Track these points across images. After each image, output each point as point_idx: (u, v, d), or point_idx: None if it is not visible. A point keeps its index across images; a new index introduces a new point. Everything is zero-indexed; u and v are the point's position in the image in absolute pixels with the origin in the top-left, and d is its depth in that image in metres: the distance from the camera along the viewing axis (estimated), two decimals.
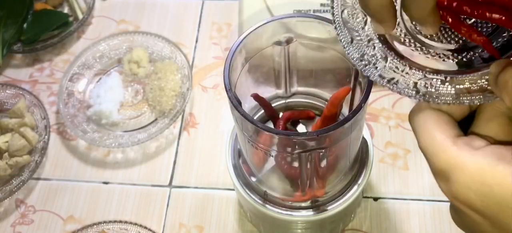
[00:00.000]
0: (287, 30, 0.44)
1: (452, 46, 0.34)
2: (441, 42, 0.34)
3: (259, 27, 0.42)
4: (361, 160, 0.50)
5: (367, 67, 0.34)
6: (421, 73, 0.33)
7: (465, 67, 0.33)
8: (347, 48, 0.34)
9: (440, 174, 0.31)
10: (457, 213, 0.32)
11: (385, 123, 0.64)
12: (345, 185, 0.49)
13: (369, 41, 0.34)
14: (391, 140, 0.63)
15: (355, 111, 0.38)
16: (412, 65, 0.33)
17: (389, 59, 0.34)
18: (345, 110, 0.48)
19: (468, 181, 0.29)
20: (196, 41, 0.74)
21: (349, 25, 0.35)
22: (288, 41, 0.45)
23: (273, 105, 0.52)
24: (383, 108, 0.65)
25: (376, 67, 0.33)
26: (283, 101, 0.52)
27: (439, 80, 0.32)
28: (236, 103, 0.39)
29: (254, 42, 0.43)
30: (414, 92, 0.32)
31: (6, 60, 0.74)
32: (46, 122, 0.65)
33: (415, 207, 0.58)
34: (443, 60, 0.33)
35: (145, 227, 0.58)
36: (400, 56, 0.34)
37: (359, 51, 0.34)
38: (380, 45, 0.34)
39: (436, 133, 0.31)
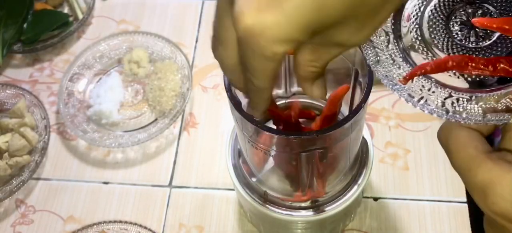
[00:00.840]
0: None
1: None
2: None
3: None
4: (361, 160, 0.50)
5: (395, 87, 0.34)
6: (446, 92, 0.33)
7: (477, 86, 0.33)
8: (374, 67, 0.35)
9: (477, 189, 0.31)
10: (493, 228, 0.33)
11: (385, 123, 0.64)
12: (345, 185, 0.49)
13: (393, 60, 0.35)
14: (391, 140, 0.63)
15: (355, 111, 0.38)
16: (436, 83, 0.34)
17: (414, 78, 0.34)
18: (345, 110, 0.48)
19: (505, 193, 0.30)
20: (196, 41, 0.74)
21: (373, 43, 0.35)
22: None
23: None
24: (383, 108, 0.65)
25: (404, 87, 0.34)
26: (283, 101, 0.52)
27: (465, 99, 0.32)
28: (236, 103, 0.39)
29: None
30: (444, 112, 0.32)
31: (6, 60, 0.74)
32: (46, 122, 0.65)
33: (415, 207, 0.58)
34: (458, 78, 0.34)
35: (145, 227, 0.58)
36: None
37: (386, 70, 0.34)
38: (404, 65, 0.34)
39: (469, 150, 0.32)
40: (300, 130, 0.47)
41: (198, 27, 0.75)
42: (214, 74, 0.70)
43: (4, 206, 0.62)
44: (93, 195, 0.62)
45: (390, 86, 0.34)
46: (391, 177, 0.60)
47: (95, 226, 0.59)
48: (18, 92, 0.68)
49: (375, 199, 0.59)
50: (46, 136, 0.64)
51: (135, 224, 0.59)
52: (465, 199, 0.58)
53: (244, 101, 0.44)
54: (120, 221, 0.59)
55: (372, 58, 0.35)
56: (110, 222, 0.59)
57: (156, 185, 0.62)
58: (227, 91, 0.39)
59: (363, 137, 0.49)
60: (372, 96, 0.62)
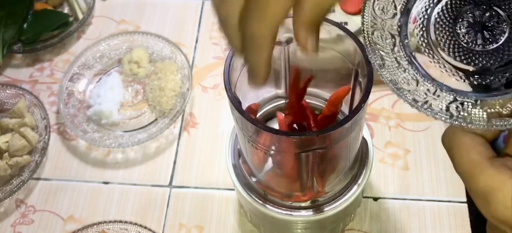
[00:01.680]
0: (287, 30, 0.44)
1: (471, 68, 0.34)
2: (463, 62, 0.34)
3: None
4: (361, 160, 0.50)
5: (400, 91, 0.34)
6: (451, 96, 0.33)
7: (482, 90, 0.33)
8: (379, 71, 0.34)
9: (479, 196, 0.32)
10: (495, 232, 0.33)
11: (385, 123, 0.64)
12: (345, 185, 0.49)
13: (398, 64, 0.34)
14: (391, 140, 0.63)
15: (355, 111, 0.38)
16: (441, 87, 0.33)
17: (420, 81, 0.34)
18: (345, 110, 0.48)
19: (507, 200, 0.30)
20: (196, 41, 0.74)
21: (378, 46, 0.35)
22: (288, 41, 0.45)
23: (273, 105, 0.52)
24: (383, 108, 0.65)
25: (409, 91, 0.34)
26: (283, 101, 0.52)
27: (470, 103, 0.32)
28: (236, 103, 0.39)
29: None
30: (448, 117, 0.32)
31: (6, 60, 0.74)
32: (46, 122, 0.65)
33: (415, 207, 0.58)
34: (464, 81, 0.33)
35: (145, 227, 0.58)
36: (429, 78, 0.34)
37: (391, 74, 0.34)
38: (410, 68, 0.34)
39: (472, 155, 0.32)
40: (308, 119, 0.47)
41: (198, 27, 0.75)
42: (214, 74, 0.70)
43: (4, 206, 0.62)
44: (93, 195, 0.62)
45: (395, 91, 0.34)
46: (391, 177, 0.60)
47: (95, 226, 0.59)
48: (18, 92, 0.68)
49: (375, 199, 0.59)
50: (46, 136, 0.64)
51: (135, 224, 0.59)
52: (465, 199, 0.58)
53: (244, 101, 0.44)
54: (120, 221, 0.59)
55: (377, 62, 0.35)
56: (110, 222, 0.59)
57: (156, 185, 0.62)
58: (227, 91, 0.39)
59: (363, 137, 0.49)
60: (372, 96, 0.62)
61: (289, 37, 0.44)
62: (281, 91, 0.51)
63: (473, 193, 0.32)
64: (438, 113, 0.32)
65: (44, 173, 0.64)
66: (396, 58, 0.35)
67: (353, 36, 0.40)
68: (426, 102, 0.33)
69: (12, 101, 0.68)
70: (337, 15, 0.62)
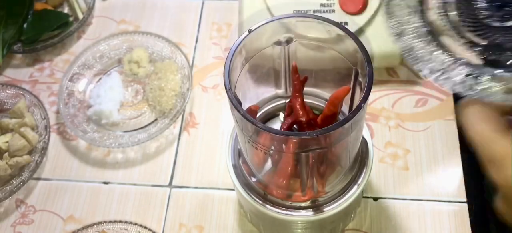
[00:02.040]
0: (287, 30, 0.44)
1: (485, 42, 0.34)
2: (479, 36, 0.34)
3: (259, 27, 0.42)
4: (361, 160, 0.50)
5: (416, 61, 0.34)
6: (467, 69, 0.33)
7: (491, 65, 0.33)
8: (397, 41, 0.35)
9: (491, 163, 0.33)
10: (507, 201, 0.34)
11: (385, 123, 0.64)
12: (345, 185, 0.49)
13: (416, 34, 0.35)
14: (391, 140, 0.63)
15: (355, 111, 0.38)
16: (458, 60, 0.34)
17: (436, 53, 0.34)
18: (345, 110, 0.48)
19: None
20: (196, 41, 0.74)
21: (397, 18, 0.35)
22: (288, 41, 0.45)
23: (273, 105, 0.52)
24: (383, 108, 0.65)
25: (425, 62, 0.34)
26: (283, 101, 0.52)
27: (486, 77, 0.33)
28: (236, 103, 0.39)
29: (254, 42, 0.43)
30: (465, 88, 0.33)
31: (6, 60, 0.74)
32: (46, 122, 0.65)
33: (415, 207, 0.58)
34: (477, 55, 0.34)
35: (145, 227, 0.58)
36: (446, 51, 0.34)
37: (408, 44, 0.35)
38: (428, 38, 0.35)
39: (487, 125, 0.34)
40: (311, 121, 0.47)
41: (198, 27, 0.75)
42: (214, 74, 0.70)
43: (4, 206, 0.62)
44: (93, 195, 0.62)
45: (411, 61, 0.34)
46: (391, 177, 0.60)
47: (95, 226, 0.59)
48: (18, 92, 0.68)
49: (375, 199, 0.59)
50: (46, 136, 0.64)
51: (135, 224, 0.59)
52: (465, 199, 0.58)
53: (244, 101, 0.44)
54: (120, 221, 0.59)
55: (395, 31, 0.35)
56: (110, 222, 0.59)
57: (156, 185, 0.62)
58: (227, 91, 0.39)
59: (363, 137, 0.49)
60: (372, 96, 0.62)
61: (289, 37, 0.44)
62: (281, 91, 0.51)
63: (486, 161, 0.34)
64: (455, 85, 0.33)
65: (44, 173, 0.64)
66: (413, 29, 0.35)
67: (353, 36, 0.40)
68: (442, 74, 0.34)
69: (12, 101, 0.68)
70: (337, 15, 0.62)
